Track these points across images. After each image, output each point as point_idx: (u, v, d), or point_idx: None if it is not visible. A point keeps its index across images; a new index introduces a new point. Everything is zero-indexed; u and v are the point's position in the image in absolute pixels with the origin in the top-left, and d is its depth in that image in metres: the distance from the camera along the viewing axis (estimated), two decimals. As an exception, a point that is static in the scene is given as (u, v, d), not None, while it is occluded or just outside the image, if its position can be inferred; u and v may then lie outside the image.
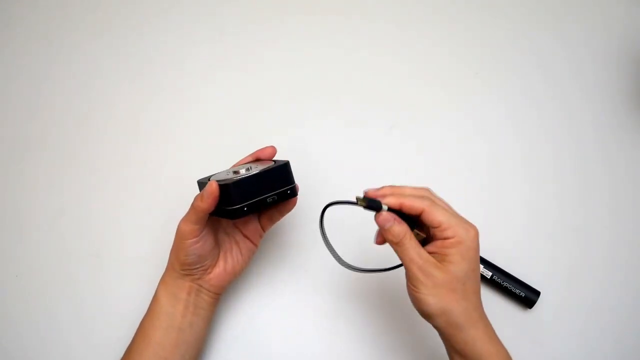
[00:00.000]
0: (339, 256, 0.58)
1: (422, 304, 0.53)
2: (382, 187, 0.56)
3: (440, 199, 0.56)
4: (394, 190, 0.55)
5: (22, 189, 0.76)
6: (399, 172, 0.75)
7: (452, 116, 0.76)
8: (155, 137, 0.77)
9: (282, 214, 0.66)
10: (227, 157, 0.68)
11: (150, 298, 0.64)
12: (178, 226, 0.60)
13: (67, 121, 0.78)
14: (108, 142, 0.77)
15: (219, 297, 0.66)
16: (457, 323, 0.52)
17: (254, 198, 0.58)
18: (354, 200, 0.54)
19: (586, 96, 0.76)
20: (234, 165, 0.65)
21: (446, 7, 0.80)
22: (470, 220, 0.54)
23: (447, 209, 0.55)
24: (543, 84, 0.77)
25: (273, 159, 0.65)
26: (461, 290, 0.52)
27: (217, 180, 0.59)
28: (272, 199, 0.59)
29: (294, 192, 0.61)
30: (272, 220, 0.66)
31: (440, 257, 0.53)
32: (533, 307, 0.68)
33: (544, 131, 0.75)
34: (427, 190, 0.56)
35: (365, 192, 0.55)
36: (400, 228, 0.53)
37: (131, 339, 0.63)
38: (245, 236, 0.66)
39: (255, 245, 0.67)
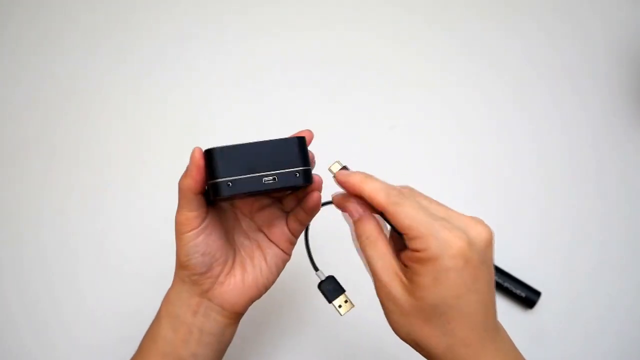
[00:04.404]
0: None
1: (393, 330, 0.42)
2: (355, 173, 0.43)
3: (426, 197, 0.43)
4: (366, 176, 0.42)
5: (22, 189, 0.76)
6: (399, 172, 0.75)
7: (451, 117, 0.76)
8: (156, 136, 0.77)
9: (308, 213, 0.50)
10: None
11: (151, 298, 0.59)
12: (174, 220, 0.49)
13: (67, 121, 0.78)
14: (108, 141, 0.77)
15: (237, 321, 0.52)
16: None
17: (245, 174, 0.45)
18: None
19: (585, 97, 0.76)
20: None
21: (447, 8, 0.80)
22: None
23: (425, 208, 0.41)
24: (543, 86, 0.77)
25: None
26: (439, 323, 0.40)
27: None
28: (272, 179, 0.45)
29: (307, 178, 0.46)
30: (301, 222, 0.51)
31: (410, 275, 0.40)
32: (534, 308, 0.68)
33: (544, 132, 0.75)
34: (407, 187, 0.43)
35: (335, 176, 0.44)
36: (368, 226, 0.41)
37: (132, 340, 0.57)
38: (271, 241, 0.52)
39: (286, 253, 0.53)
